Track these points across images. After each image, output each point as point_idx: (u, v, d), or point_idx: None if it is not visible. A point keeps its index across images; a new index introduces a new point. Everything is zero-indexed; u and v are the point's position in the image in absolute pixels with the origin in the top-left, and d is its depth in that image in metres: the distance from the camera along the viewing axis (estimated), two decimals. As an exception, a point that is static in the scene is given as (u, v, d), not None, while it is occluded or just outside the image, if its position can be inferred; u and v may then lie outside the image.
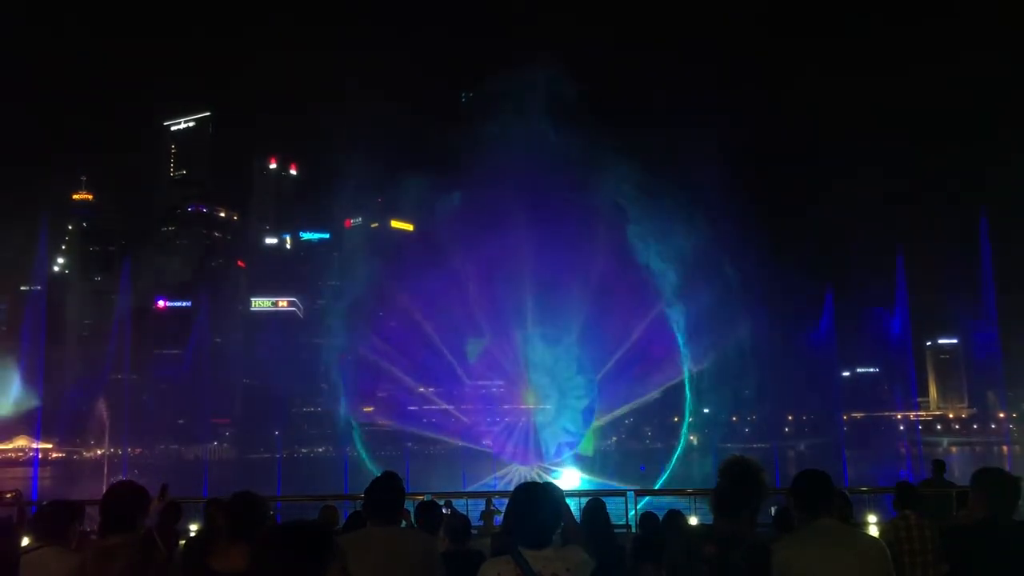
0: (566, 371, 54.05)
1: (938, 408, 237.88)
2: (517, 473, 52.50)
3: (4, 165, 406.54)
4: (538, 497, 4.45)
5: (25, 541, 6.02)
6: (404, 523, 8.64)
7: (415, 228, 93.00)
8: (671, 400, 54.03)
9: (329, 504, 11.54)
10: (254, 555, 2.78)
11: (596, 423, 55.57)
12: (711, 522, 5.12)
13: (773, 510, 9.43)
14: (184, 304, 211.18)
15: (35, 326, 52.81)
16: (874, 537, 5.86)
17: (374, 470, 44.79)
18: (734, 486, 4.90)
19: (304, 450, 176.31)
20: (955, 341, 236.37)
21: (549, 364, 54.19)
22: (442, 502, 16.34)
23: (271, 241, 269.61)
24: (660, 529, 9.32)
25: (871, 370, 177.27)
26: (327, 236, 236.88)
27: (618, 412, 59.25)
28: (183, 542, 9.35)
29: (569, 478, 49.36)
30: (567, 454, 53.75)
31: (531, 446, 54.77)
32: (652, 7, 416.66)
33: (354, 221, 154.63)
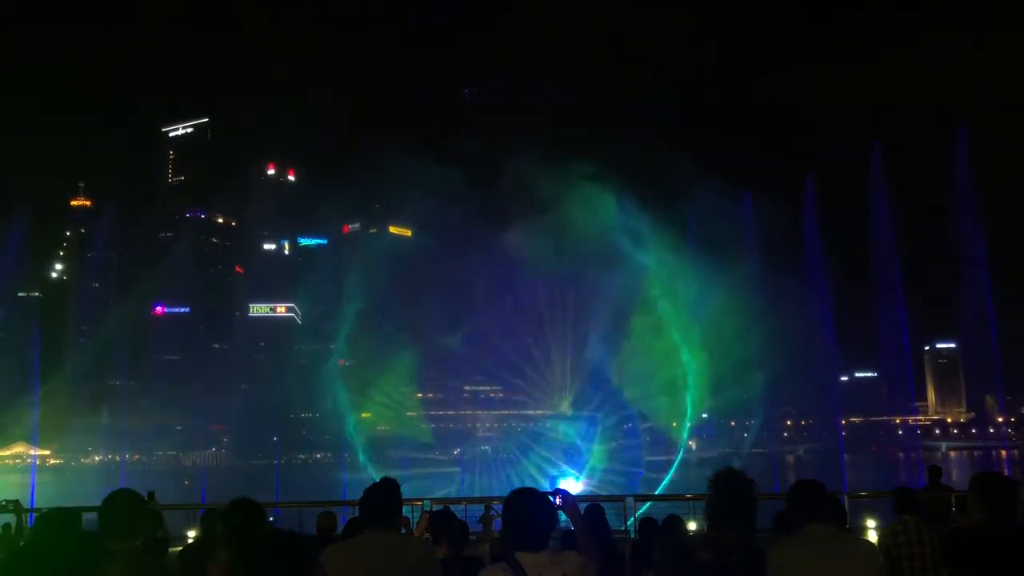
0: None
1: (936, 412, 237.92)
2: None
3: (1, 169, 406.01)
4: (531, 500, 4.46)
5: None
6: (404, 530, 8.63)
7: (413, 233, 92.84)
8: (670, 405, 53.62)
9: (327, 510, 11.51)
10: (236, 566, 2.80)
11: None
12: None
13: (774, 515, 9.43)
14: (182, 310, 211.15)
15: (32, 332, 52.75)
16: (864, 539, 6.02)
17: (373, 475, 44.66)
18: (724, 497, 5.11)
19: (302, 456, 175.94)
20: (953, 345, 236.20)
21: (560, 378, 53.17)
22: (439, 507, 16.32)
23: (269, 247, 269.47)
24: (658, 535, 9.30)
25: (870, 375, 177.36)
26: (325, 242, 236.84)
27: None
28: (179, 549, 9.36)
29: (566, 486, 48.48)
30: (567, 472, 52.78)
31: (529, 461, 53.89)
32: None
33: (352, 227, 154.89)
